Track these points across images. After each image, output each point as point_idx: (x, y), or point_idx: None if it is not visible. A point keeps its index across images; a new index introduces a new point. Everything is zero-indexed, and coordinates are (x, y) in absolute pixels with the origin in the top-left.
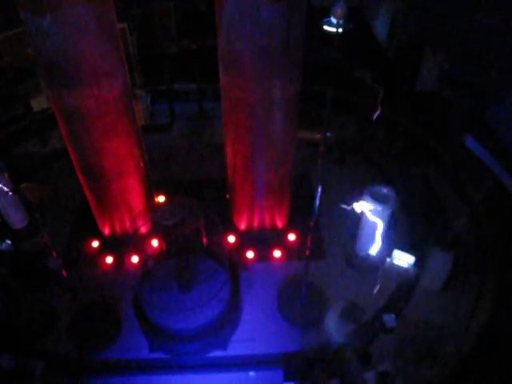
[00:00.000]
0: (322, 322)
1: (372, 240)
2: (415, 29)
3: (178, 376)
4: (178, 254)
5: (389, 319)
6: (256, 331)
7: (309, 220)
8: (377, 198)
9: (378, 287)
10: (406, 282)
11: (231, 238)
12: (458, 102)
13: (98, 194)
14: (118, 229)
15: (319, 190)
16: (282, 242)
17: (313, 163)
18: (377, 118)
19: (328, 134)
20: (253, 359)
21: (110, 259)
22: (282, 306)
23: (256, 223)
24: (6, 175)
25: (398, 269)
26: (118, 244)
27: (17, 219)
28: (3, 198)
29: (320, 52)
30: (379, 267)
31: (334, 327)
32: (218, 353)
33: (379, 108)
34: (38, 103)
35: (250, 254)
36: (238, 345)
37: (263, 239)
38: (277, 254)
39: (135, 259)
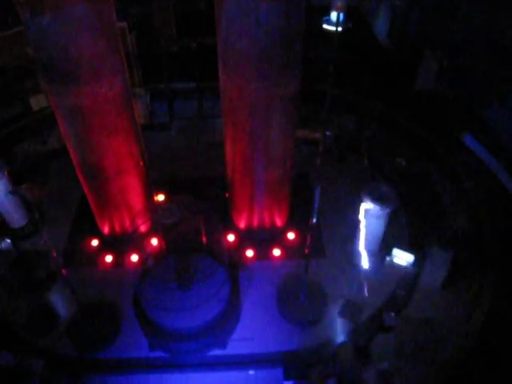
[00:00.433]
0: (321, 321)
1: (372, 238)
2: (415, 28)
3: (178, 375)
4: (177, 252)
5: (388, 318)
6: (255, 330)
7: (308, 219)
8: (376, 197)
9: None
10: (405, 281)
11: (231, 237)
12: (457, 101)
13: (98, 193)
14: (117, 228)
15: (318, 188)
16: (281, 241)
17: (312, 162)
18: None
19: (327, 132)
20: (252, 358)
21: (109, 258)
22: (281, 305)
23: (255, 222)
24: (6, 174)
25: (398, 267)
26: (118, 243)
27: (16, 218)
28: (2, 197)
29: (320, 51)
30: (379, 266)
31: (333, 326)
32: (217, 352)
33: None
34: (37, 102)
35: (249, 253)
36: (238, 344)
37: (263, 238)
38: (276, 252)
39: (135, 258)
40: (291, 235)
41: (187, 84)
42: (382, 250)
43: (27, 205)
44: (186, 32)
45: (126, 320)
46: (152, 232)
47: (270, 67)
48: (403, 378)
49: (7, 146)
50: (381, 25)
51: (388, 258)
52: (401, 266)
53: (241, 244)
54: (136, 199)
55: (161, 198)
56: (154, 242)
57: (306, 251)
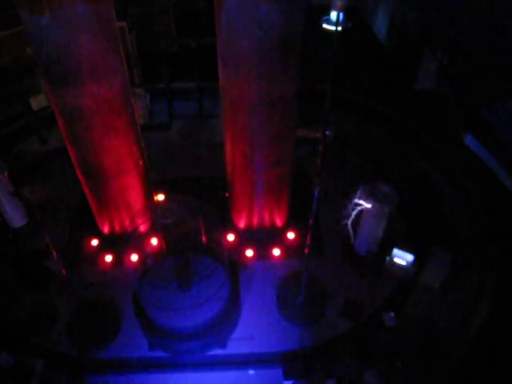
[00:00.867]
0: (321, 321)
1: (371, 238)
2: (414, 27)
3: (178, 374)
4: (177, 252)
5: (388, 317)
6: (255, 329)
7: (308, 218)
8: (376, 197)
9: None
10: (405, 281)
11: (230, 237)
12: (456, 101)
13: (98, 193)
14: (117, 227)
15: (318, 188)
16: (281, 241)
17: (312, 161)
18: None
19: (327, 132)
20: (252, 358)
21: (109, 257)
22: (281, 304)
23: (255, 222)
24: (6, 174)
25: (398, 267)
26: (118, 242)
27: (16, 218)
28: (2, 197)
29: (319, 51)
30: (379, 265)
31: (332, 325)
32: (217, 351)
33: None
34: (37, 102)
35: (249, 253)
36: (238, 343)
37: (262, 238)
38: (276, 252)
39: (134, 257)
40: (291, 235)
41: (187, 84)
42: (381, 249)
43: (28, 206)
44: (186, 32)
45: (125, 319)
46: (152, 232)
47: (269, 67)
48: (403, 378)
49: (7, 146)
50: (380, 24)
51: (388, 258)
52: (401, 265)
53: (240, 244)
54: (136, 199)
55: (160, 197)
56: (154, 241)
57: (306, 251)
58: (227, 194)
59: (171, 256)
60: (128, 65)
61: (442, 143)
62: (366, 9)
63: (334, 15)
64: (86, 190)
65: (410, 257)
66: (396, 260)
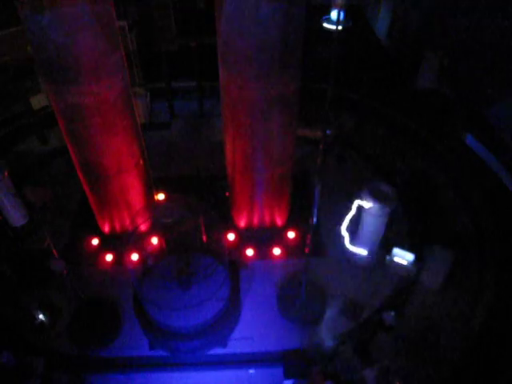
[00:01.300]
0: (321, 320)
1: (372, 237)
2: (415, 27)
3: (178, 373)
4: (177, 251)
5: (388, 317)
6: (256, 329)
7: (308, 218)
8: (377, 196)
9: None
10: (405, 280)
11: (231, 236)
12: (457, 100)
13: (98, 192)
14: (117, 227)
15: (318, 187)
16: (281, 240)
17: (312, 161)
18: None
19: (327, 131)
20: (252, 357)
21: (109, 257)
22: (281, 304)
23: (256, 221)
24: (6, 173)
25: (398, 266)
26: (118, 242)
27: (17, 217)
28: (3, 196)
29: (320, 50)
30: (379, 265)
31: (333, 325)
32: (217, 350)
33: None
34: (38, 101)
35: (249, 252)
36: (238, 343)
37: (263, 237)
38: (276, 251)
39: (135, 257)
40: (291, 234)
41: (187, 83)
42: (381, 249)
43: (29, 205)
44: (186, 31)
45: (126, 319)
46: (152, 231)
47: (270, 66)
48: (403, 378)
49: (8, 146)
50: (381, 24)
51: (388, 258)
52: (401, 265)
53: (241, 243)
54: (136, 198)
55: (161, 197)
56: (155, 240)
57: (306, 250)
58: (227, 194)
59: (171, 255)
60: (128, 64)
61: (443, 142)
62: (366, 8)
63: (334, 14)
64: (87, 190)
65: (410, 256)
66: (396, 259)
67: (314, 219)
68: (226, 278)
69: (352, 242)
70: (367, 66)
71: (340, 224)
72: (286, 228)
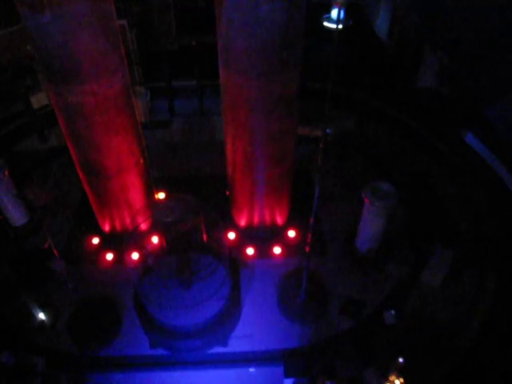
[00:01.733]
0: (321, 319)
1: (372, 236)
2: (415, 26)
3: (179, 372)
4: (178, 250)
5: (389, 316)
6: (256, 328)
7: (309, 216)
8: (377, 195)
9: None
10: (406, 279)
11: (231, 235)
12: (457, 99)
13: (98, 191)
14: (118, 226)
15: (319, 186)
16: (282, 239)
17: (313, 159)
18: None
19: (328, 130)
20: (253, 356)
21: (110, 256)
22: (282, 303)
23: (256, 220)
24: (7, 173)
25: (398, 266)
26: (118, 241)
27: (17, 216)
28: (3, 195)
29: (320, 49)
30: (379, 263)
31: (333, 324)
32: (218, 349)
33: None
34: (38, 100)
35: (250, 251)
36: (239, 341)
37: (263, 236)
38: (277, 250)
39: (135, 256)
40: (292, 233)
41: (188, 82)
42: (382, 248)
43: (29, 205)
44: (186, 29)
45: (126, 318)
46: (152, 230)
47: (270, 65)
48: (404, 377)
49: (8, 145)
50: (381, 23)
51: (388, 257)
52: (400, 264)
53: (241, 242)
54: (136, 197)
55: (161, 195)
56: (155, 239)
57: (307, 249)
58: (228, 192)
59: (172, 254)
60: (129, 63)
61: (443, 141)
62: (367, 7)
63: (334, 13)
64: (87, 189)
65: (410, 256)
66: (396, 259)
67: (315, 218)
68: (227, 276)
69: (352, 240)
70: (367, 65)
71: (340, 223)
72: (286, 227)
